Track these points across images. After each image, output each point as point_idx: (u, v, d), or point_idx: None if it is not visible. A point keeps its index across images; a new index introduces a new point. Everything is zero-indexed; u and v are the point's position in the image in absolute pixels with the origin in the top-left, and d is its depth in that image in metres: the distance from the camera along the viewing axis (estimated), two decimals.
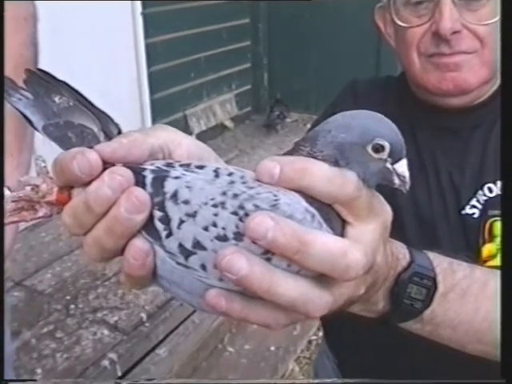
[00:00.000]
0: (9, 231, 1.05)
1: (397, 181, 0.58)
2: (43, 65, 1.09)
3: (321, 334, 1.65)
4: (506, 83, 0.92)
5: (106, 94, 4.34)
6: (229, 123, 6.24)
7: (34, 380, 2.37)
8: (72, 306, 3.19)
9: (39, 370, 2.72)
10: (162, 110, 5.27)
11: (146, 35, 4.95)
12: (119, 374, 2.83)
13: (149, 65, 5.05)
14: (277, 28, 6.54)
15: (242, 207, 0.52)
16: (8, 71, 0.59)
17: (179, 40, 5.34)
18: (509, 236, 0.75)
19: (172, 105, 5.45)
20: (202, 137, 5.59)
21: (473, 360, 0.82)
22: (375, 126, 0.58)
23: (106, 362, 2.81)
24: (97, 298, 3.26)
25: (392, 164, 0.58)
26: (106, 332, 2.99)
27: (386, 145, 0.57)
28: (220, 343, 3.28)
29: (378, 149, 0.57)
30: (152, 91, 5.15)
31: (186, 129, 5.50)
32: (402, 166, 0.58)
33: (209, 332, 3.20)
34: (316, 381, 1.65)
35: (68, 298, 3.27)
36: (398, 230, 0.65)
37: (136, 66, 4.98)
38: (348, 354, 1.47)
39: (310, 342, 3.35)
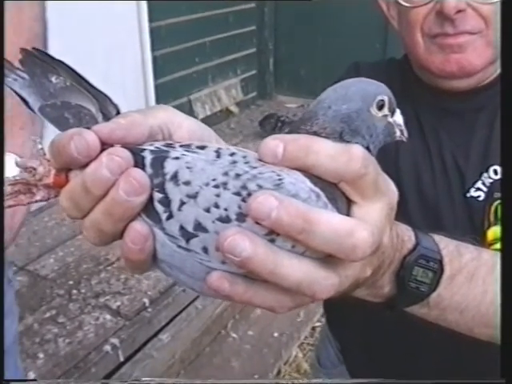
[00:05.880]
0: (19, 212, 1.05)
1: (398, 132, 0.62)
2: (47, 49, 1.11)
3: (324, 320, 1.65)
4: (506, 65, 0.90)
5: (110, 78, 4.33)
6: (234, 108, 6.23)
7: (35, 380, 2.37)
8: (74, 291, 3.19)
9: (41, 355, 2.72)
10: (166, 95, 5.25)
11: (151, 19, 4.92)
12: (121, 359, 2.83)
13: (153, 49, 5.02)
14: (282, 13, 6.52)
15: (244, 187, 0.50)
16: (21, 46, 0.58)
17: (184, 24, 5.31)
18: (509, 220, 0.73)
19: (176, 89, 5.43)
20: (206, 122, 5.43)
21: (475, 346, 0.81)
22: (370, 86, 0.60)
23: (108, 347, 2.81)
24: (99, 283, 3.26)
25: (391, 117, 0.61)
26: (108, 317, 2.99)
27: (386, 99, 0.60)
28: (223, 329, 3.29)
29: (382, 106, 0.59)
30: (156, 76, 5.13)
31: (190, 114, 5.45)
32: (398, 116, 0.62)
33: (212, 318, 3.20)
34: (316, 380, 1.65)
35: (71, 282, 3.27)
36: (402, 213, 0.64)
37: (140, 50, 4.94)
38: (350, 338, 1.47)
39: (313, 328, 3.36)
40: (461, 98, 1.19)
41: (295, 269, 0.50)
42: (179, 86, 5.46)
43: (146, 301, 3.12)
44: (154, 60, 5.08)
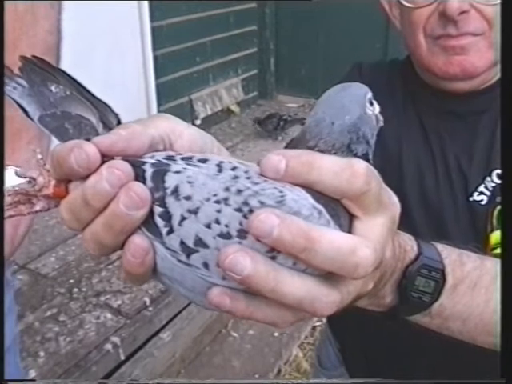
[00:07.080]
0: (23, 224, 1.05)
1: (377, 123, 0.63)
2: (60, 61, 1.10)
3: (325, 320, 1.65)
4: (505, 68, 0.90)
5: (112, 77, 4.34)
6: (235, 108, 6.22)
7: (33, 380, 2.37)
8: (75, 290, 3.19)
9: (42, 353, 2.73)
10: (167, 94, 5.25)
11: (152, 18, 4.91)
12: (122, 357, 2.84)
13: (154, 48, 5.02)
14: (284, 12, 6.51)
15: (246, 203, 0.49)
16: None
17: (185, 24, 5.31)
18: (509, 225, 0.73)
19: (177, 89, 5.42)
20: (207, 121, 5.58)
21: (475, 351, 0.81)
22: (358, 90, 0.61)
23: (109, 346, 2.81)
24: (100, 281, 3.27)
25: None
26: (109, 316, 3.00)
27: (370, 94, 0.61)
28: (224, 328, 3.30)
29: (371, 102, 0.61)
30: (157, 75, 5.12)
31: (191, 113, 5.49)
32: (376, 106, 0.63)
33: (212, 317, 3.20)
34: (315, 380, 1.65)
35: (71, 281, 3.27)
36: (405, 217, 0.63)
37: (141, 50, 4.94)
38: (350, 338, 1.47)
39: (314, 328, 3.36)
40: (464, 99, 1.19)
41: (297, 286, 0.50)
42: (180, 85, 5.44)
43: (147, 299, 3.12)
44: (155, 59, 5.07)
